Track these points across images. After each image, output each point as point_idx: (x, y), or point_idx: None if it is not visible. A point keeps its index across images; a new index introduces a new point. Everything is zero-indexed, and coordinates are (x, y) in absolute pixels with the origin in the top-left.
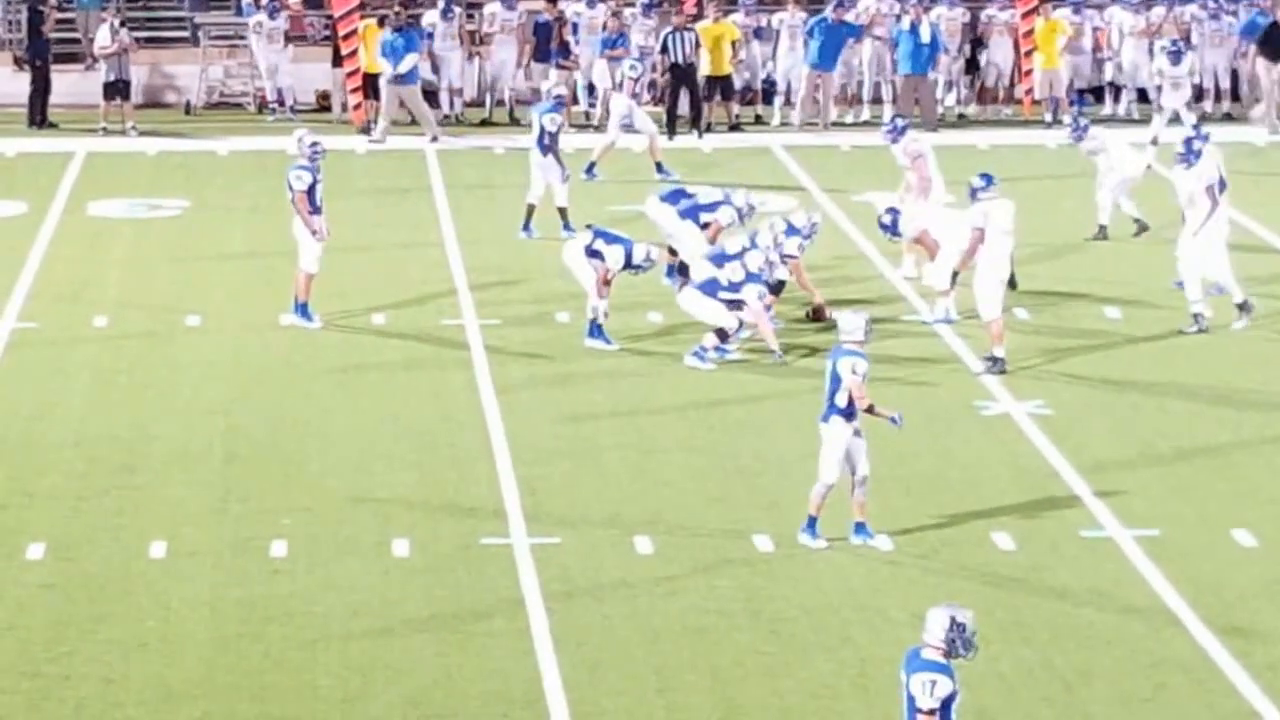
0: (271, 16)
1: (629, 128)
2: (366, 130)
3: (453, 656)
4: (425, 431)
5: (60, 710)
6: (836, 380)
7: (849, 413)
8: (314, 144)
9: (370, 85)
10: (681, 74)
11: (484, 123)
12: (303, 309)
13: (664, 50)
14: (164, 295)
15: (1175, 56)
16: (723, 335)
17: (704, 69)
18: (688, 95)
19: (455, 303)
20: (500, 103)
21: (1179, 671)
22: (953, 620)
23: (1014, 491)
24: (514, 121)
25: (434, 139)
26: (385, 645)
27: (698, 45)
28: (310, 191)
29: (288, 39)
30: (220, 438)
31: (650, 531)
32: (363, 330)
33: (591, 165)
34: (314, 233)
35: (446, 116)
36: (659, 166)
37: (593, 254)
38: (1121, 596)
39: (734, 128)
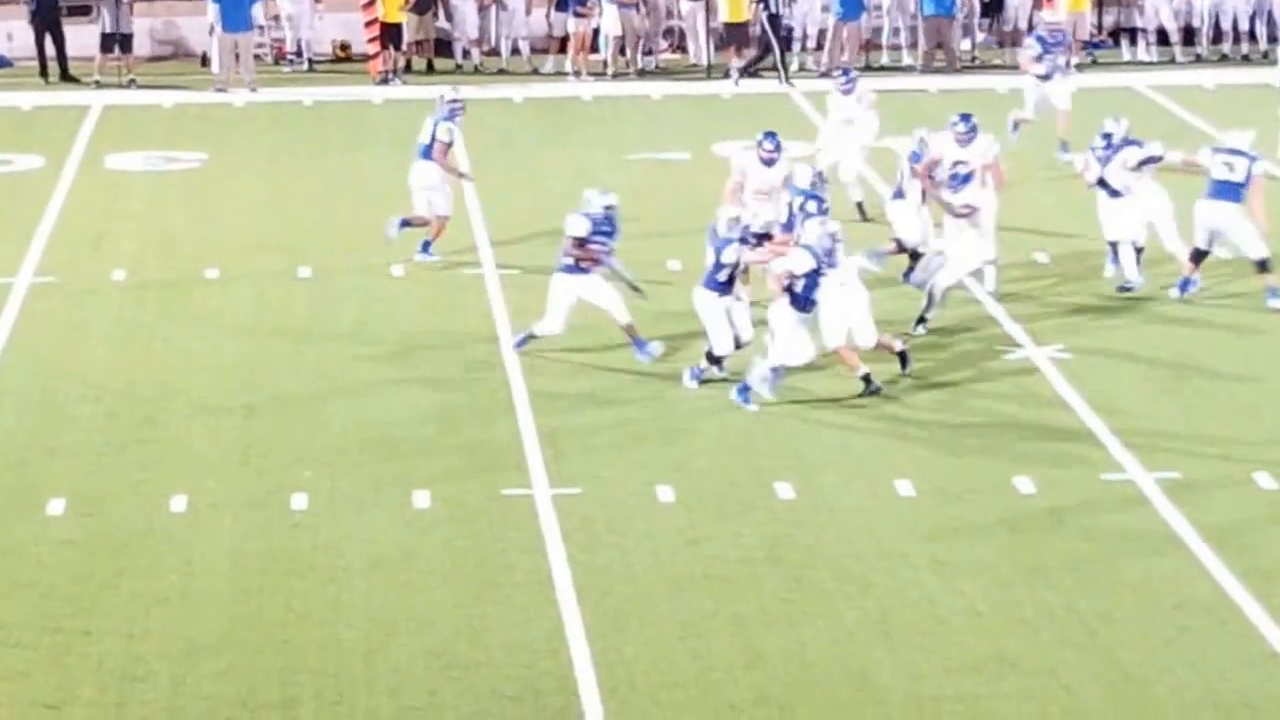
0: None
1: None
2: (385, 81)
3: (475, 607)
4: (445, 382)
5: (82, 665)
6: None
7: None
8: (454, 101)
9: (389, 35)
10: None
11: (500, 72)
12: (425, 246)
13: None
14: (183, 248)
15: None
16: (712, 358)
17: (722, 15)
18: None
19: (475, 253)
20: (516, 52)
21: (1201, 613)
22: None
23: (1035, 436)
24: (533, 71)
25: (253, 88)
26: (407, 597)
27: None
28: (449, 146)
29: None
30: (240, 390)
31: (672, 481)
32: (382, 281)
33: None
34: (462, 175)
35: (459, 66)
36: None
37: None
38: (1143, 539)
39: (752, 75)
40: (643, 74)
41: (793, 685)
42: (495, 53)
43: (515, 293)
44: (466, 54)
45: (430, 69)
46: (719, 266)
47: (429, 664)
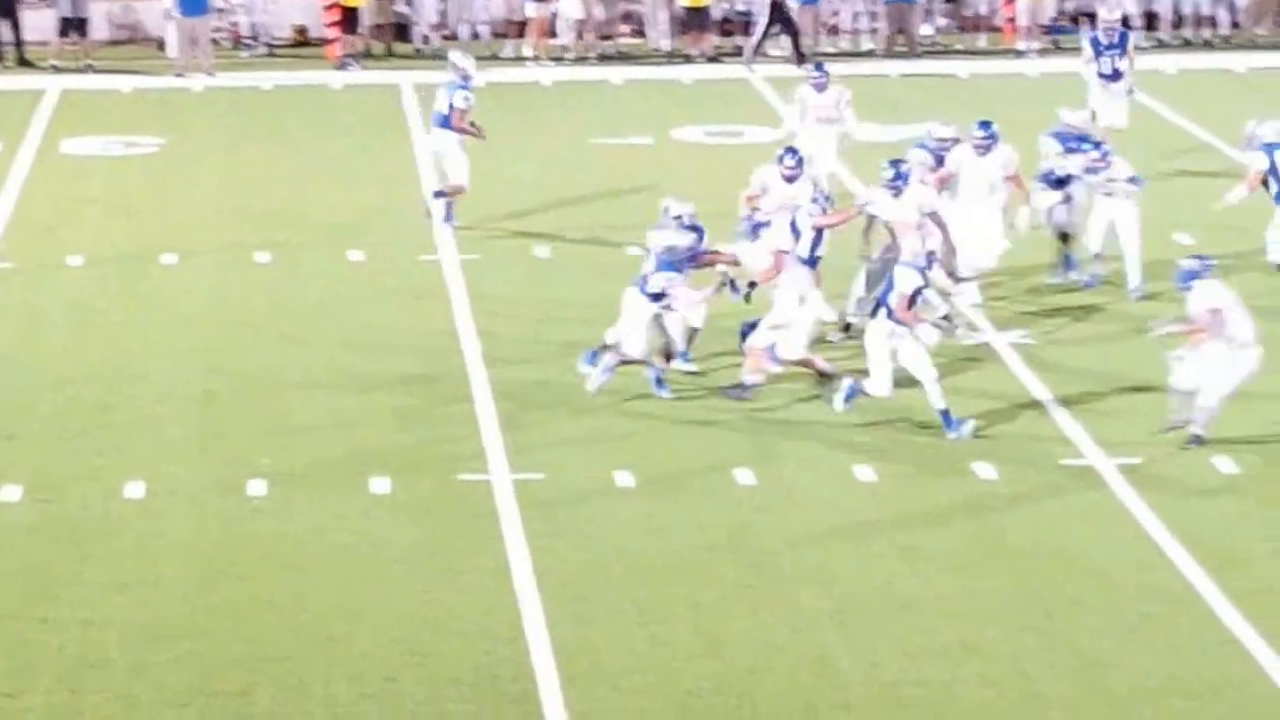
0: None
1: None
2: (344, 65)
3: (434, 594)
4: (405, 369)
5: (41, 653)
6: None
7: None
8: (462, 68)
9: (348, 19)
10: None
11: None
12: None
13: None
14: (141, 234)
15: None
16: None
17: None
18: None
19: (433, 239)
20: (475, 36)
21: (1161, 599)
22: None
23: (995, 421)
24: (493, 56)
25: (209, 73)
26: (366, 583)
27: None
28: (465, 112)
29: None
30: (199, 376)
31: (632, 467)
32: (341, 267)
33: None
34: (479, 133)
35: (419, 51)
36: None
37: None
38: (1103, 524)
39: (712, 59)
40: (604, 59)
41: (753, 672)
42: (454, 37)
43: (475, 279)
44: (425, 39)
45: (389, 53)
46: (650, 274)
47: (388, 651)
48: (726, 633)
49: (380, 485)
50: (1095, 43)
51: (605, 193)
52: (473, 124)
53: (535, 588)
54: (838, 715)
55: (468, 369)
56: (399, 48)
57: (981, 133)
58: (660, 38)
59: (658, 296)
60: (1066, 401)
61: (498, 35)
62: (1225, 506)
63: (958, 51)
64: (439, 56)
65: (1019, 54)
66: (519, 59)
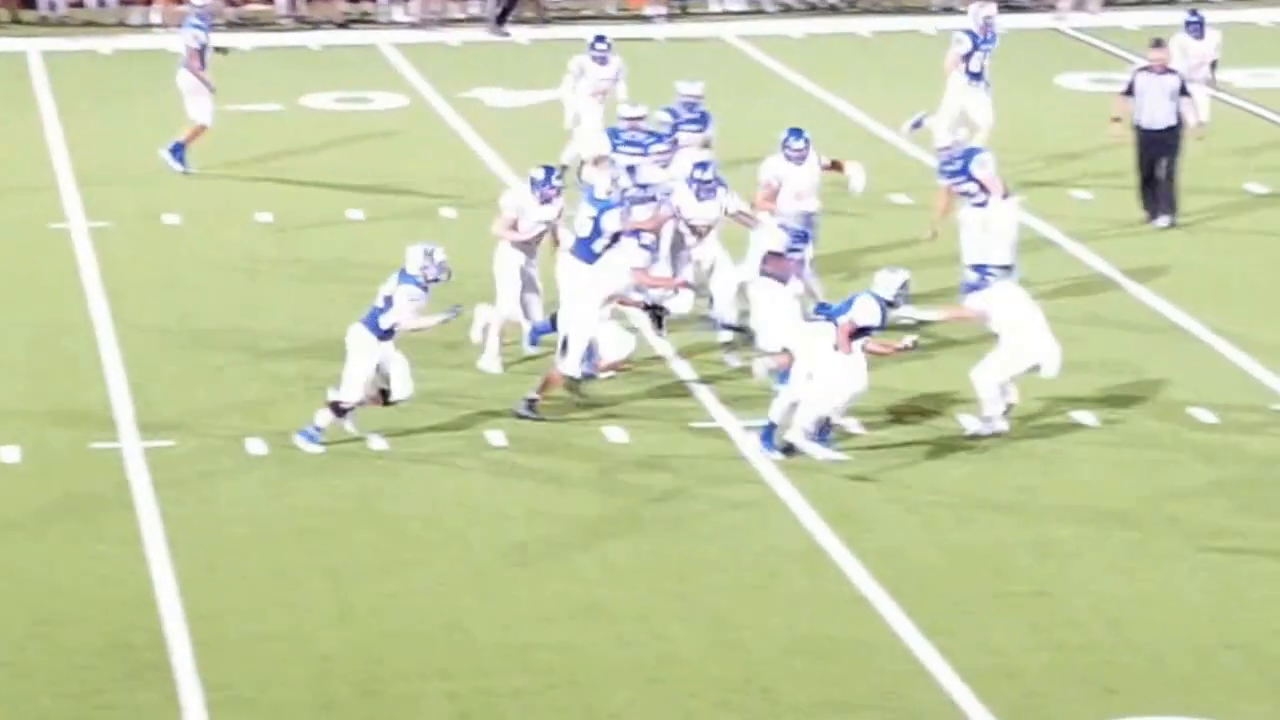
0: None
1: None
2: None
3: (66, 563)
4: (34, 336)
5: None
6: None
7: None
8: (202, 6)
9: None
10: None
11: (87, 24)
12: (177, 150)
13: None
14: None
15: None
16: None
17: None
18: None
19: (61, 206)
20: (102, 4)
21: (790, 558)
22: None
23: (625, 384)
24: (120, 23)
25: None
26: None
27: None
28: (201, 51)
29: None
30: None
31: (263, 433)
32: None
33: None
34: (208, 85)
35: (45, 19)
36: None
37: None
38: (733, 486)
39: (341, 25)
40: (233, 26)
41: (385, 636)
42: (81, 4)
43: (104, 245)
44: (53, 5)
45: (15, 21)
46: (384, 309)
47: (17, 620)
48: (359, 598)
49: (8, 454)
50: (974, 38)
51: (234, 160)
52: (204, 76)
53: (167, 555)
54: (471, 679)
55: (97, 337)
56: (26, 15)
57: (798, 143)
58: (288, 3)
59: (388, 334)
60: (697, 365)
61: (125, 2)
62: (851, 468)
63: (587, 17)
64: (67, 24)
65: (646, 19)
66: (147, 26)
